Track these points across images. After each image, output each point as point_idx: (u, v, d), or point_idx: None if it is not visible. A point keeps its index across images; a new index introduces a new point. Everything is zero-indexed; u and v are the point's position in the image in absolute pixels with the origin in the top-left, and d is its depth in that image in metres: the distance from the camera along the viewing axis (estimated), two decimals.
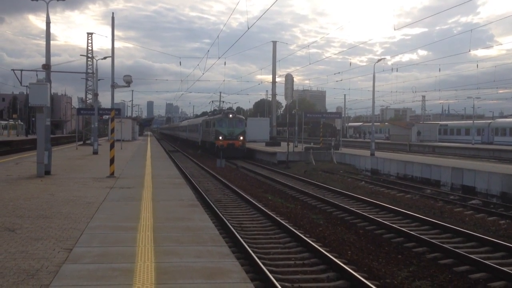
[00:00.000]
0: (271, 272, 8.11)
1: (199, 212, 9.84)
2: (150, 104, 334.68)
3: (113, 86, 29.83)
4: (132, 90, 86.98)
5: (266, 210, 14.15)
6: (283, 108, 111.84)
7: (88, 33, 49.62)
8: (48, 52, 17.88)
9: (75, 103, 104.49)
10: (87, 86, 49.14)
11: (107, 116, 35.94)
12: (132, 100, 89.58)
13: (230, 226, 11.54)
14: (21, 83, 26.94)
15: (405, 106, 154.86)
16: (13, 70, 27.13)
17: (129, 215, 9.19)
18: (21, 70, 27.36)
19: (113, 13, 29.33)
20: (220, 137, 38.34)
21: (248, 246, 9.75)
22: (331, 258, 8.95)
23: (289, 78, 36.22)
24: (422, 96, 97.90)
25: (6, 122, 78.21)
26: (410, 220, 13.53)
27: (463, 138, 59.27)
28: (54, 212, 9.45)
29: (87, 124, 50.02)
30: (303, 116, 39.87)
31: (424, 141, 57.26)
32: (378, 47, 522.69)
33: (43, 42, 19.18)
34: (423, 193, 19.10)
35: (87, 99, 50.04)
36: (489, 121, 63.83)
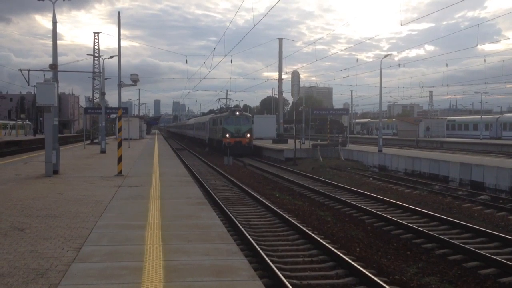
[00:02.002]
0: (279, 269, 8.10)
1: (207, 210, 9.85)
2: (157, 103, 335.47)
3: (120, 85, 29.86)
4: (139, 89, 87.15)
5: (274, 207, 14.14)
6: (290, 105, 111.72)
7: (94, 33, 49.79)
8: (55, 52, 17.95)
9: (83, 103, 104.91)
10: (94, 85, 49.29)
11: (115, 115, 36.04)
12: (139, 99, 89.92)
13: (238, 224, 11.55)
14: (28, 83, 27.13)
15: (413, 102, 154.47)
16: (20, 70, 27.31)
17: (137, 214, 9.22)
18: (28, 70, 27.54)
19: (119, 12, 29.29)
20: (227, 135, 38.34)
21: (256, 243, 9.75)
22: (339, 255, 8.93)
23: (295, 75, 36.21)
24: (430, 91, 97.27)
25: (14, 122, 78.64)
26: (419, 216, 13.47)
27: (471, 134, 58.92)
28: (63, 211, 9.50)
29: (94, 123, 50.24)
30: (310, 113, 39.79)
31: (432, 136, 57.00)
32: (384, 43, 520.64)
33: (50, 42, 19.29)
34: (431, 189, 19.01)
35: (94, 98, 50.22)
36: (497, 116, 63.42)
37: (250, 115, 44.32)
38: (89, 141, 44.78)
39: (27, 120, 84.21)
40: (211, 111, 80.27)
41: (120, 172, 16.29)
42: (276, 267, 8.11)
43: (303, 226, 11.73)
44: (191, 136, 70.11)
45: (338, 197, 16.65)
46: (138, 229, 7.82)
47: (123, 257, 6.24)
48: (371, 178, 23.19)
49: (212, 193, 16.85)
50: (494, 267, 8.62)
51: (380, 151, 29.41)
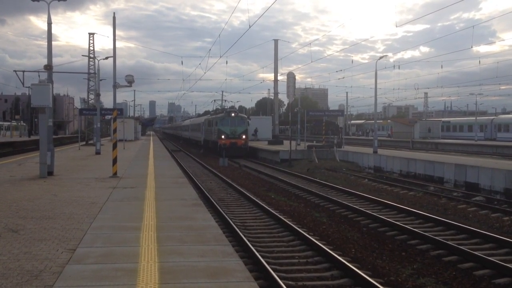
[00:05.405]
0: (274, 270, 8.09)
1: (202, 211, 9.83)
2: (152, 104, 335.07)
3: (115, 86, 29.78)
4: (134, 90, 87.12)
5: (269, 209, 14.13)
6: (285, 107, 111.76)
7: (89, 34, 49.76)
8: (49, 53, 17.88)
9: (77, 104, 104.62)
10: (89, 86, 49.17)
11: (109, 116, 35.94)
12: (134, 100, 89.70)
13: (234, 225, 11.53)
14: (23, 84, 26.98)
15: (408, 103, 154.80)
16: (15, 71, 27.15)
17: (132, 215, 9.18)
18: (23, 71, 27.40)
19: (114, 13, 29.22)
20: (223, 136, 38.32)
21: (252, 245, 9.74)
22: (335, 256, 8.93)
23: (291, 76, 36.17)
24: (425, 93, 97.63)
25: (9, 123, 78.32)
26: (414, 217, 13.50)
27: (466, 135, 59.11)
28: (57, 212, 9.45)
29: (89, 124, 50.06)
30: (306, 114, 39.85)
31: (427, 138, 57.14)
32: (380, 44, 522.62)
33: (44, 43, 19.45)
34: (426, 190, 19.04)
35: (89, 99, 50.08)
36: (492, 117, 63.65)
37: (246, 116, 44.28)
38: (84, 142, 44.61)
39: (21, 121, 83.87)
40: (206, 112, 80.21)
41: (115, 174, 16.23)
42: (271, 268, 8.11)
43: (298, 227, 11.73)
44: (186, 138, 70.02)
45: (334, 198, 16.66)
46: (133, 231, 7.79)
47: (118, 258, 6.21)
48: (366, 179, 23.22)
49: (207, 194, 16.83)
50: (489, 268, 8.64)
51: (375, 152, 29.46)
